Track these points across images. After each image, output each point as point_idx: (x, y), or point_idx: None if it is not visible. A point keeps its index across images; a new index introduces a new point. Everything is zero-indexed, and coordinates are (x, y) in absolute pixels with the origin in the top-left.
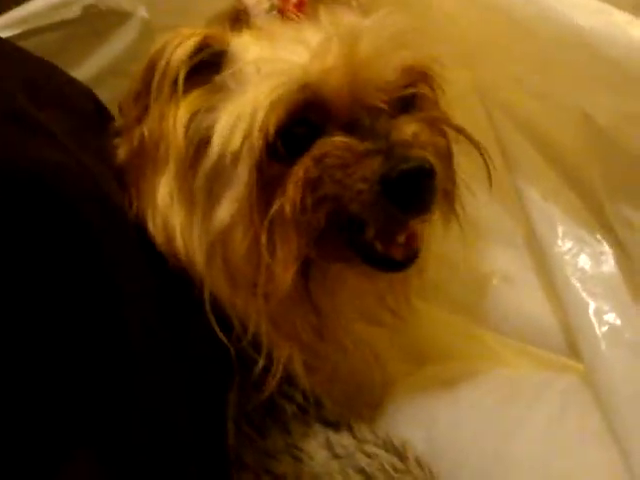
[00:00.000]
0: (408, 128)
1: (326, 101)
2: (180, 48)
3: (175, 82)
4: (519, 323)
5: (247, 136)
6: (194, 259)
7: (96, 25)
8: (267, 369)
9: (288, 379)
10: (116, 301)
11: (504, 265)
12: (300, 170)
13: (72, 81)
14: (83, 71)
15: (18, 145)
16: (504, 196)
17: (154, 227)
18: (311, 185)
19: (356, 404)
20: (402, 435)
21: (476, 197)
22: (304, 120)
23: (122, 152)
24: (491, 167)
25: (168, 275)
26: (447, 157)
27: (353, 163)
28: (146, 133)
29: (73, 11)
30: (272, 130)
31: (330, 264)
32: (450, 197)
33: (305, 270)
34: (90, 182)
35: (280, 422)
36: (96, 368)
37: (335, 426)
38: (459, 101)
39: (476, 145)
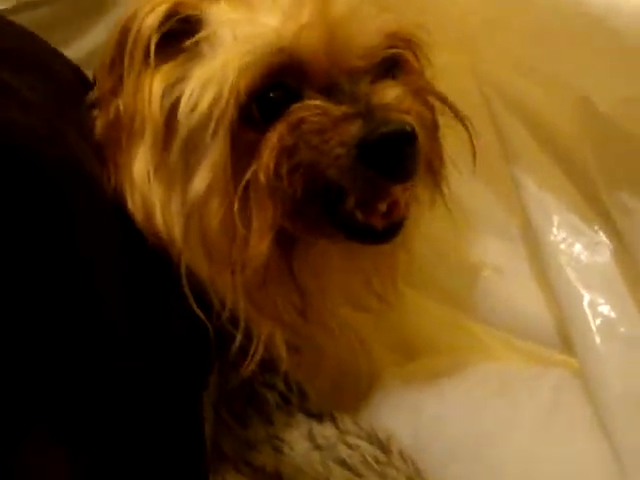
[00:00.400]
0: (389, 92)
1: (302, 64)
2: (151, 15)
3: (148, 51)
4: (510, 315)
5: (216, 100)
6: (173, 235)
7: (89, 4)
8: (247, 350)
9: (270, 367)
10: (86, 273)
11: (496, 255)
12: (274, 136)
13: (55, 52)
14: (74, 49)
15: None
16: (498, 184)
17: (132, 204)
18: (286, 151)
19: (340, 394)
20: (387, 427)
21: (468, 183)
22: (280, 84)
23: (99, 125)
24: (477, 145)
25: (146, 252)
26: (432, 128)
27: (330, 128)
28: (121, 106)
29: None
30: (243, 94)
31: (313, 240)
32: (435, 173)
33: (288, 247)
34: (62, 147)
35: (262, 412)
36: (65, 342)
37: (318, 417)
38: (456, 86)
39: (460, 117)
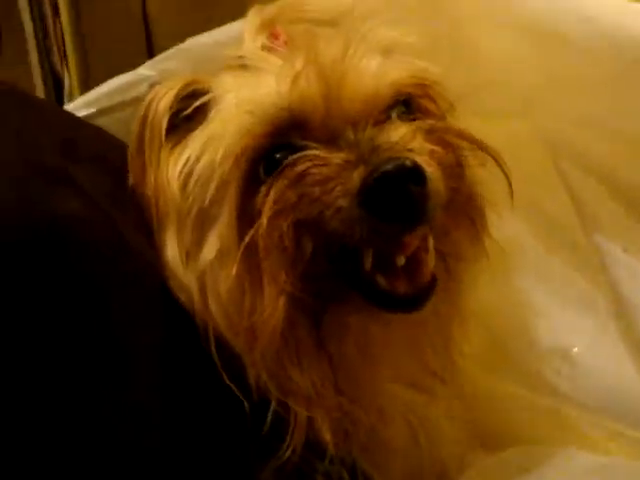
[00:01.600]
0: (395, 133)
1: (303, 119)
2: (164, 98)
3: (165, 135)
4: (606, 398)
5: (216, 161)
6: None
7: None
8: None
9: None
10: (122, 364)
11: (582, 331)
12: (273, 192)
13: (119, 145)
14: None
15: (40, 196)
16: (579, 255)
17: (174, 286)
18: (286, 208)
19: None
20: None
21: (545, 254)
22: (285, 145)
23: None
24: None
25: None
26: (454, 167)
27: (332, 178)
28: (147, 190)
29: (141, 90)
30: (244, 155)
31: (339, 309)
32: (471, 220)
33: (316, 317)
34: (113, 235)
35: None
36: (100, 431)
37: None
38: (521, 153)
39: (490, 153)
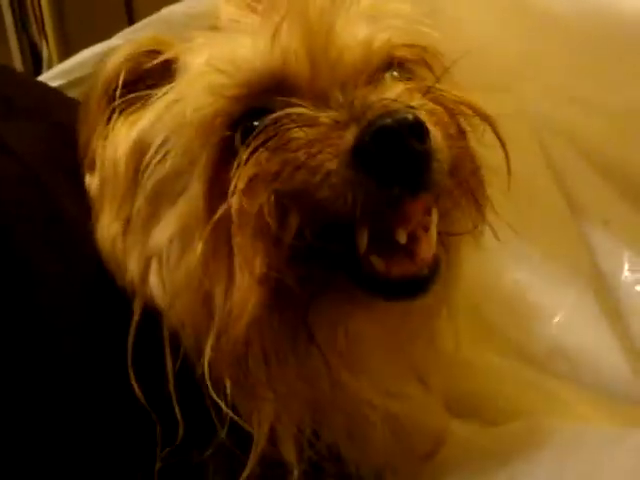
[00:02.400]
0: (391, 90)
1: (286, 82)
2: (114, 56)
3: (113, 96)
4: (585, 367)
5: (182, 126)
6: (154, 294)
7: None
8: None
9: None
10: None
11: (564, 302)
12: (251, 160)
13: (68, 101)
14: None
15: None
16: (560, 229)
17: (105, 256)
18: (266, 177)
19: (398, 463)
20: None
21: (528, 229)
22: (263, 110)
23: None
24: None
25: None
26: (455, 133)
27: (319, 140)
28: (91, 158)
29: None
30: (214, 121)
31: (329, 300)
32: (472, 194)
33: (301, 310)
34: (36, 195)
35: None
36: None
37: None
38: (505, 127)
39: (490, 123)
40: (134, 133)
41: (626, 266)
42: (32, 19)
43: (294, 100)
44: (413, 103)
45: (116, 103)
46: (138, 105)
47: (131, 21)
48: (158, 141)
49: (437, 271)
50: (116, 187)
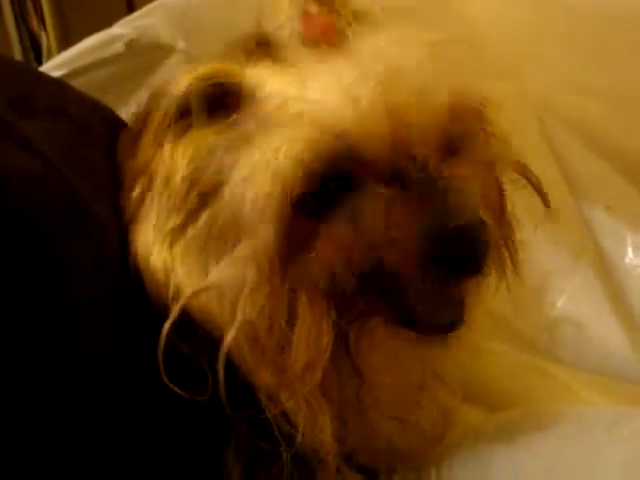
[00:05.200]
0: (459, 176)
1: (364, 152)
2: (184, 78)
3: (179, 115)
4: (588, 350)
5: (268, 189)
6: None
7: (140, 61)
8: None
9: None
10: (73, 322)
11: (568, 288)
12: (332, 230)
13: (83, 99)
14: (130, 106)
15: None
16: (563, 212)
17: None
18: (344, 247)
19: (401, 448)
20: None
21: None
22: (339, 175)
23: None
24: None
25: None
26: (499, 211)
27: (394, 219)
28: (138, 166)
29: (116, 48)
30: (299, 185)
31: (367, 327)
32: (502, 250)
33: (344, 337)
34: (64, 195)
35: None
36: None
37: (372, 474)
38: (509, 114)
39: (535, 184)
40: (195, 151)
41: (629, 249)
42: (31, 9)
43: (368, 171)
44: (476, 189)
45: (183, 122)
46: (202, 126)
47: (130, 9)
48: (227, 173)
49: (465, 311)
50: (168, 201)
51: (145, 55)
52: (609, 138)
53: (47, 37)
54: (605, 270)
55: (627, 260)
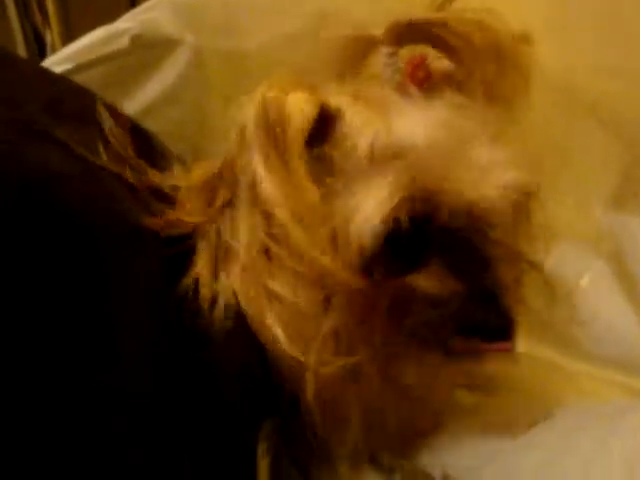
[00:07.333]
0: (506, 275)
1: (445, 222)
2: (300, 116)
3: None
4: (602, 342)
5: (355, 245)
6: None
7: (145, 55)
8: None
9: None
10: (113, 323)
11: (583, 277)
12: (385, 297)
13: (108, 106)
14: (135, 101)
15: (16, 150)
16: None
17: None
18: (395, 312)
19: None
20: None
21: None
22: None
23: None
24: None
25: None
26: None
27: (443, 301)
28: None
29: (121, 42)
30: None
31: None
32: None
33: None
34: (105, 198)
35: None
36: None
37: (389, 471)
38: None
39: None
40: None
41: None
42: (34, 4)
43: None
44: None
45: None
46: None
47: (133, 3)
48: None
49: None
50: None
51: (150, 49)
52: (624, 117)
53: (51, 32)
54: (619, 259)
55: None
